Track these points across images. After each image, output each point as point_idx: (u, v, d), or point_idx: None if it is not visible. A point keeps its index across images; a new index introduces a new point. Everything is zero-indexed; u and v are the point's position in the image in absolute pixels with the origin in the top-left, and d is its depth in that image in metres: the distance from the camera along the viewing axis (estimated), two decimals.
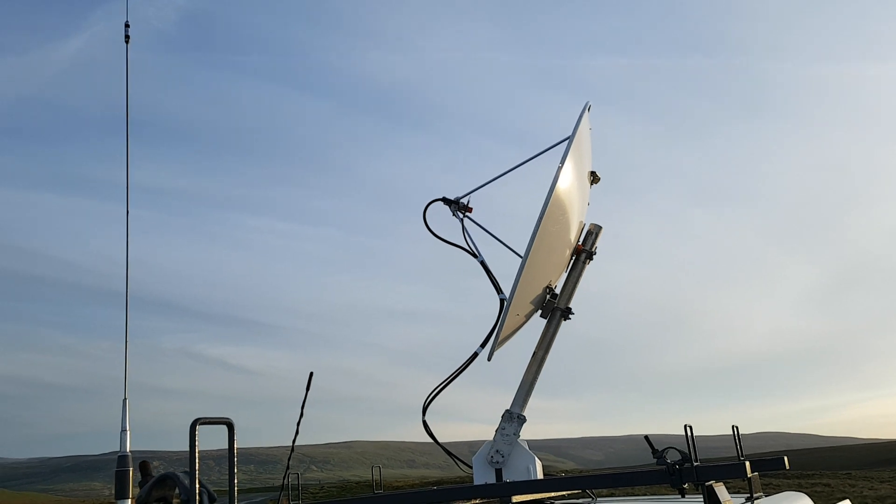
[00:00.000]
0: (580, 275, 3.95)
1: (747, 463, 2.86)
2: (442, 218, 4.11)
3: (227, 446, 1.19)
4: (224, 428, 1.19)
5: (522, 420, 3.59)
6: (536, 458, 3.57)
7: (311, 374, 1.71)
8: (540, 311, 3.89)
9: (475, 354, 3.70)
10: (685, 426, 2.95)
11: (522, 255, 3.49)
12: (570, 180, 3.63)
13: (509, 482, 3.31)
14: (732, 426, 3.49)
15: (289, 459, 1.55)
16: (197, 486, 1.09)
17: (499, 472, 3.52)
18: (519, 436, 3.58)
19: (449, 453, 3.78)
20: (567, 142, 3.53)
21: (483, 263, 3.85)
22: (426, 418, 3.71)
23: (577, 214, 3.86)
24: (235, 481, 1.14)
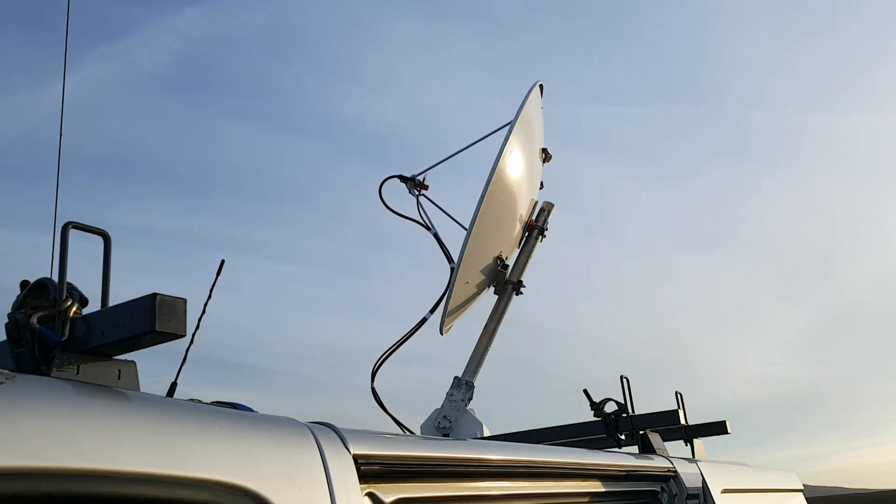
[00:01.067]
0: (532, 250, 4.02)
1: (680, 411, 2.91)
2: (399, 196, 4.20)
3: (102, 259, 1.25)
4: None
5: (471, 387, 3.62)
6: (484, 426, 3.60)
7: (223, 262, 1.76)
8: (493, 288, 3.96)
9: (424, 320, 3.75)
10: (621, 377, 3.00)
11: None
12: (518, 155, 3.72)
13: None
14: (676, 392, 3.53)
15: (187, 350, 1.60)
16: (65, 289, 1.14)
17: (446, 437, 3.55)
18: (467, 402, 3.61)
19: (397, 422, 3.80)
20: (514, 116, 3.62)
21: (436, 235, 3.92)
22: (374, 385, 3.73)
23: (527, 190, 3.94)
24: (109, 291, 1.19)
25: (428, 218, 3.99)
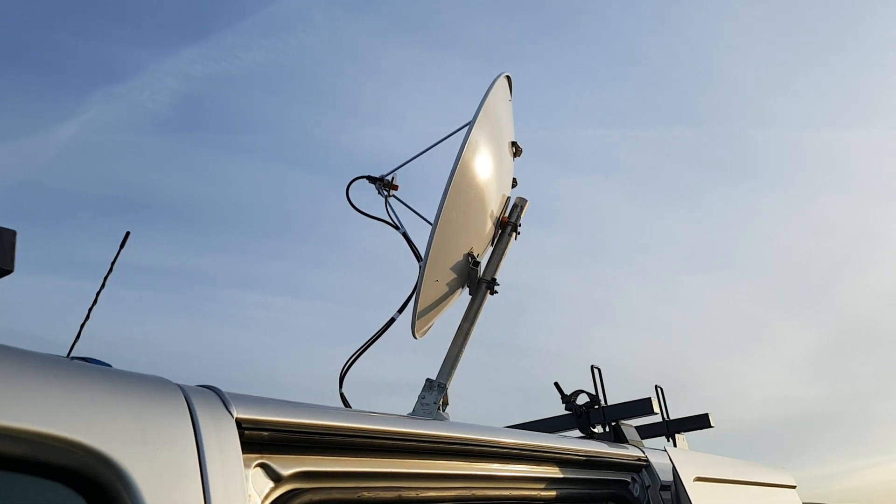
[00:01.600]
0: (506, 247, 3.90)
1: (653, 398, 2.76)
2: (369, 197, 4.08)
3: None
4: None
5: (443, 389, 3.48)
6: None
7: (128, 233, 1.65)
8: (468, 289, 3.83)
9: (392, 320, 3.62)
10: (591, 367, 2.86)
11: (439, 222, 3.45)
12: (484, 148, 3.61)
13: None
14: (656, 386, 3.39)
15: (82, 326, 1.48)
16: None
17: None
18: (439, 405, 3.46)
19: None
20: (476, 108, 3.52)
21: (405, 235, 3.81)
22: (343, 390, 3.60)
23: (497, 185, 3.83)
24: None
25: (397, 218, 3.88)
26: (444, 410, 3.69)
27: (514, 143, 3.96)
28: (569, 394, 2.90)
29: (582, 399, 2.89)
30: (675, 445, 3.26)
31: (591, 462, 2.30)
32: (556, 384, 2.94)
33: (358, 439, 1.34)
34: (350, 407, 3.67)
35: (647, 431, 3.34)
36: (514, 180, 4.20)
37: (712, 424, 3.29)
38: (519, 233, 3.99)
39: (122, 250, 1.57)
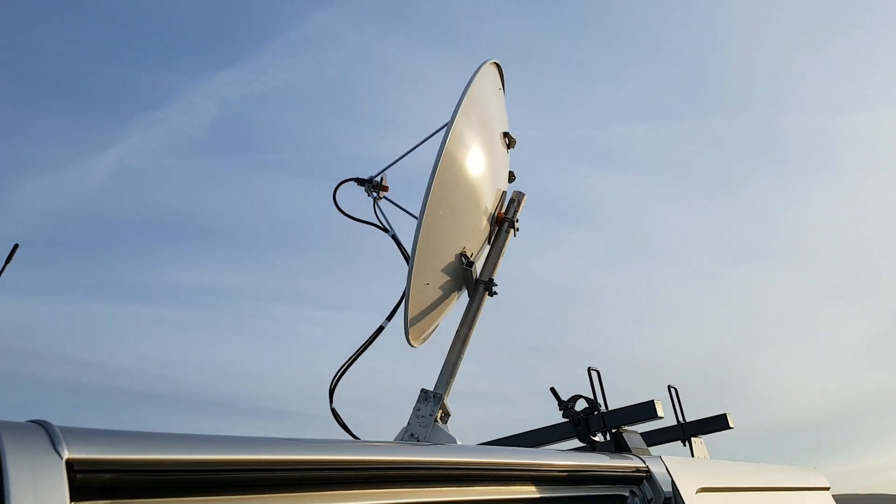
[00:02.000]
0: (504, 245, 3.66)
1: (657, 402, 2.50)
2: (359, 200, 3.88)
3: None
4: None
5: (439, 399, 3.24)
6: (459, 442, 3.21)
7: (16, 245, 1.46)
8: (465, 290, 3.60)
9: (380, 328, 3.41)
10: (589, 369, 2.61)
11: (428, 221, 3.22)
12: (472, 140, 3.38)
13: None
14: (669, 386, 3.11)
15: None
16: None
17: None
18: (436, 416, 3.23)
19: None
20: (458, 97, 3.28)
21: (395, 237, 3.59)
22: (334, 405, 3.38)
23: (491, 179, 3.59)
24: None
25: (386, 220, 3.66)
26: (444, 422, 3.46)
27: (506, 134, 3.72)
28: (566, 399, 2.65)
29: (582, 406, 2.64)
30: (691, 451, 2.99)
31: (580, 477, 2.06)
32: (553, 389, 2.69)
33: (246, 474, 1.12)
34: (344, 424, 3.46)
35: (660, 436, 3.07)
36: (511, 174, 3.95)
37: (731, 425, 3.01)
38: (517, 229, 3.74)
39: (10, 264, 1.37)
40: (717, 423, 2.99)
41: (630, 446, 2.45)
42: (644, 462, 2.21)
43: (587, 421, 2.56)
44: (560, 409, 2.66)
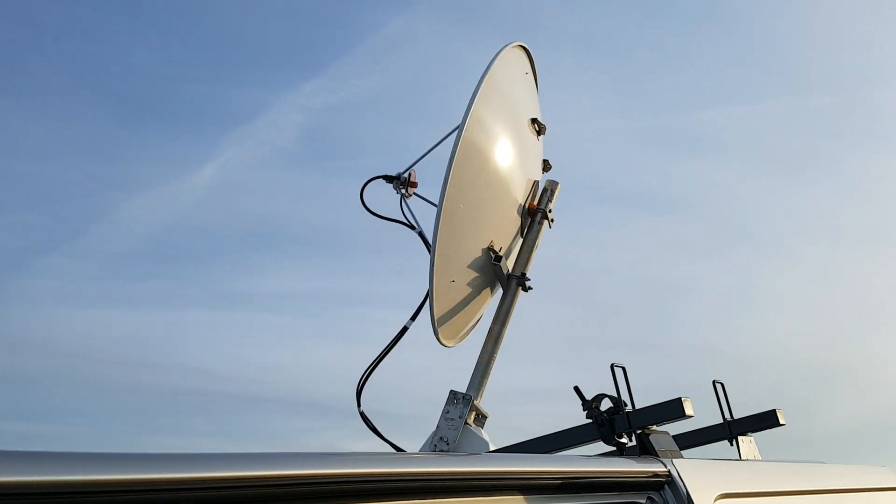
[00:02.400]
0: (537, 237, 3.48)
1: (687, 400, 2.28)
2: (388, 197, 3.77)
3: None
4: None
5: (468, 400, 3.10)
6: (491, 446, 3.06)
7: None
8: (496, 285, 3.45)
9: (404, 329, 3.29)
10: (612, 366, 2.42)
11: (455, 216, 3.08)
12: (495, 127, 3.22)
13: None
14: (714, 381, 2.88)
15: None
16: None
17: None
18: (466, 418, 3.08)
19: (397, 448, 3.31)
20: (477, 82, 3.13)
21: (421, 234, 3.46)
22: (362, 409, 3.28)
23: (521, 168, 3.42)
24: None
25: (414, 217, 3.53)
26: (481, 425, 3.31)
27: (534, 121, 3.53)
28: (590, 398, 2.46)
29: (607, 405, 2.44)
30: (738, 451, 2.75)
31: (591, 484, 1.88)
32: (576, 388, 2.50)
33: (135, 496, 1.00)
34: (374, 427, 3.34)
35: (704, 436, 2.84)
36: (546, 163, 3.77)
37: (782, 422, 2.76)
38: (552, 220, 3.56)
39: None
40: (767, 421, 2.75)
41: (657, 448, 2.25)
42: (665, 466, 2.01)
43: (612, 421, 2.37)
44: (584, 409, 2.47)
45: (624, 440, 2.38)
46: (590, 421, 2.43)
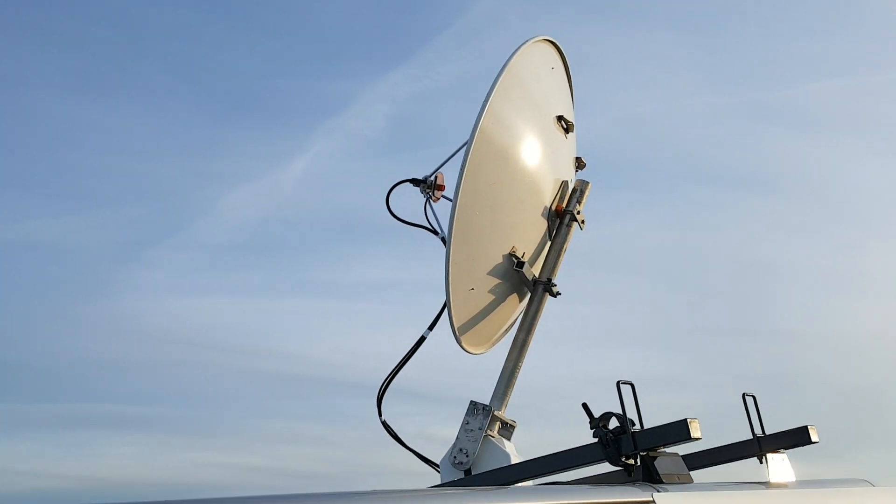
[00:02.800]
0: (565, 241, 3.34)
1: (694, 421, 2.13)
2: (415, 200, 3.70)
3: None
4: None
5: (489, 412, 3.00)
6: (514, 458, 2.95)
7: None
8: (520, 290, 3.33)
9: (422, 338, 3.21)
10: (618, 383, 2.28)
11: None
12: (515, 123, 3.10)
13: None
14: (744, 395, 2.70)
15: None
16: None
17: (467, 475, 2.94)
18: (486, 430, 2.98)
19: (420, 457, 3.24)
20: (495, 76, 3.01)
21: (444, 240, 3.36)
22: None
23: (549, 168, 3.29)
24: None
25: (438, 222, 3.44)
26: (508, 435, 3.20)
27: (561, 118, 3.38)
28: (598, 417, 2.33)
29: (614, 423, 2.31)
30: (768, 469, 2.57)
31: None
32: (585, 405, 2.37)
33: None
34: (396, 436, 3.28)
35: (730, 453, 2.67)
36: (579, 161, 3.62)
37: (815, 439, 2.56)
38: (582, 221, 3.41)
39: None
40: (796, 438, 2.56)
41: (661, 472, 2.11)
42: (650, 496, 1.88)
43: (618, 442, 2.23)
44: (591, 428, 2.34)
45: (631, 461, 2.25)
46: (596, 440, 2.30)
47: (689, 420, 2.13)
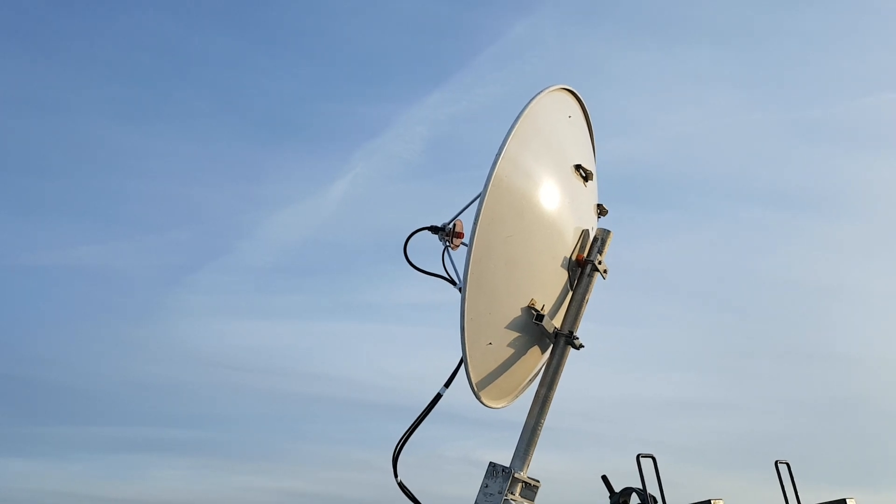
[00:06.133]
0: (587, 292, 3.23)
1: (718, 501, 1.99)
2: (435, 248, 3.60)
3: None
4: None
5: (508, 474, 2.88)
6: None
7: None
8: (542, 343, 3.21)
9: (438, 396, 3.10)
10: (638, 457, 2.16)
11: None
12: (533, 172, 3.00)
13: None
14: (777, 462, 2.55)
15: None
16: None
17: None
18: (506, 494, 2.86)
19: None
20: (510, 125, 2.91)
21: (462, 290, 3.26)
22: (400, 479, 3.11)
23: (569, 217, 3.18)
24: None
25: (456, 271, 3.34)
26: (531, 496, 3.07)
27: (579, 167, 3.28)
28: (618, 492, 2.21)
29: (636, 500, 2.18)
30: None
31: None
32: (604, 478, 2.25)
33: None
34: (413, 497, 3.17)
35: None
36: (601, 208, 3.51)
37: None
38: (605, 270, 3.29)
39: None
40: None
41: None
42: None
43: None
44: (611, 502, 2.22)
45: None
46: None
47: (712, 501, 2.00)
